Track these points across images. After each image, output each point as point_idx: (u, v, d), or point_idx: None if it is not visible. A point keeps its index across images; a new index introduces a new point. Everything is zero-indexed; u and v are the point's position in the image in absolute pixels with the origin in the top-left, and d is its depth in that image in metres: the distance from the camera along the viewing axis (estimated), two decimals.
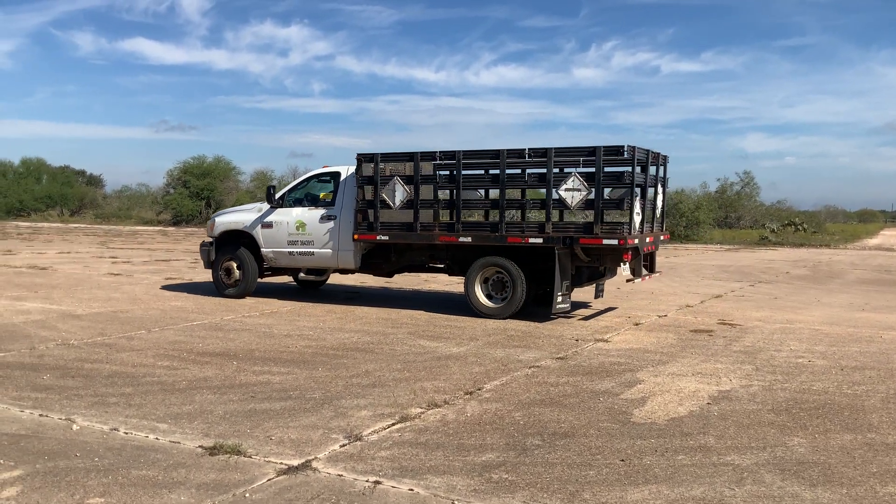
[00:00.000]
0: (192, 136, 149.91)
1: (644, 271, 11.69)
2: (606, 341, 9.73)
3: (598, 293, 12.40)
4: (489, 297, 11.65)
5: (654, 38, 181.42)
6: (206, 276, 17.52)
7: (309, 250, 12.94)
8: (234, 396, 6.66)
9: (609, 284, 14.19)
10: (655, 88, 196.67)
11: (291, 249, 13.07)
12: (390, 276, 13.49)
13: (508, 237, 11.32)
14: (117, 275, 17.55)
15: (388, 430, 5.75)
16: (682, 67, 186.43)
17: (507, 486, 4.64)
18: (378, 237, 12.24)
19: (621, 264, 11.22)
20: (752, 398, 6.87)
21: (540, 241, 11.08)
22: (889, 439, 5.70)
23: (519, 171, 11.54)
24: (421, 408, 6.39)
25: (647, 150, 11.26)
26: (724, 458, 5.20)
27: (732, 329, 10.87)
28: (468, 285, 11.69)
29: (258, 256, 13.40)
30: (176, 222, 53.43)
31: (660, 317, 12.02)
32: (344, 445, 5.35)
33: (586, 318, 11.81)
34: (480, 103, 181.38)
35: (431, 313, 12.03)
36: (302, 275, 13.73)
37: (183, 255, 24.75)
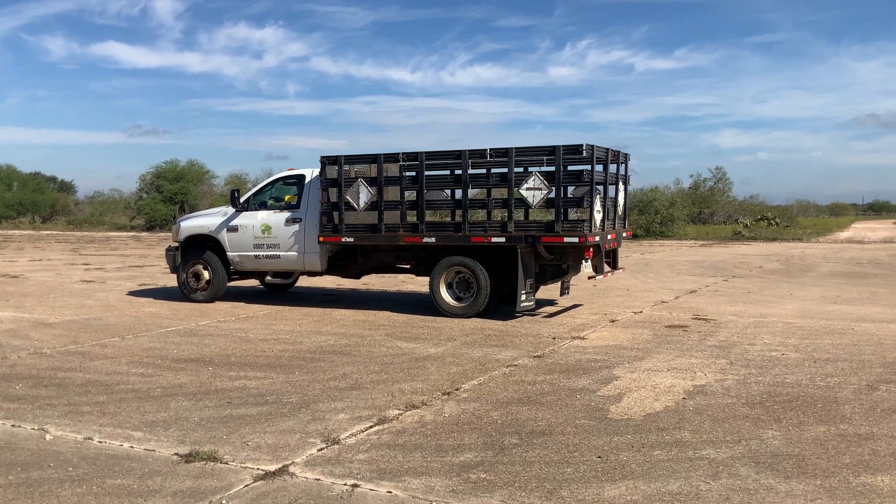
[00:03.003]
0: (167, 140, 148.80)
1: (607, 268, 11.77)
2: (583, 339, 9.78)
3: (564, 291, 12.46)
4: (455, 296, 11.69)
5: (628, 35, 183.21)
6: None
7: (275, 253, 12.89)
8: (209, 402, 6.61)
9: (584, 281, 14.26)
10: (630, 86, 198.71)
11: (258, 253, 13.02)
12: (357, 277, 13.48)
13: (472, 237, 11.36)
14: (90, 282, 17.36)
15: (365, 432, 5.74)
16: (656, 65, 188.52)
17: (486, 485, 4.65)
18: (343, 239, 12.24)
19: (584, 261, 11.31)
20: (727, 392, 6.94)
21: (503, 240, 11.14)
22: (861, 430, 5.77)
23: (484, 171, 11.57)
24: (399, 409, 6.38)
25: (607, 149, 11.35)
26: (699, 452, 5.25)
27: (707, 324, 10.97)
28: (433, 285, 11.72)
29: (224, 261, 13.33)
30: (150, 227, 52.94)
31: (635, 313, 12.10)
32: (321, 449, 5.33)
33: (551, 315, 11.87)
34: (457, 103, 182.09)
35: (408, 315, 12.02)
36: (269, 278, 13.65)
37: (157, 260, 24.50)
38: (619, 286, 15.78)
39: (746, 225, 46.51)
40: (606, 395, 6.84)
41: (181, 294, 13.66)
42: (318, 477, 4.78)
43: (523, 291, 11.05)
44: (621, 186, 12.37)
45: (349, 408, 6.43)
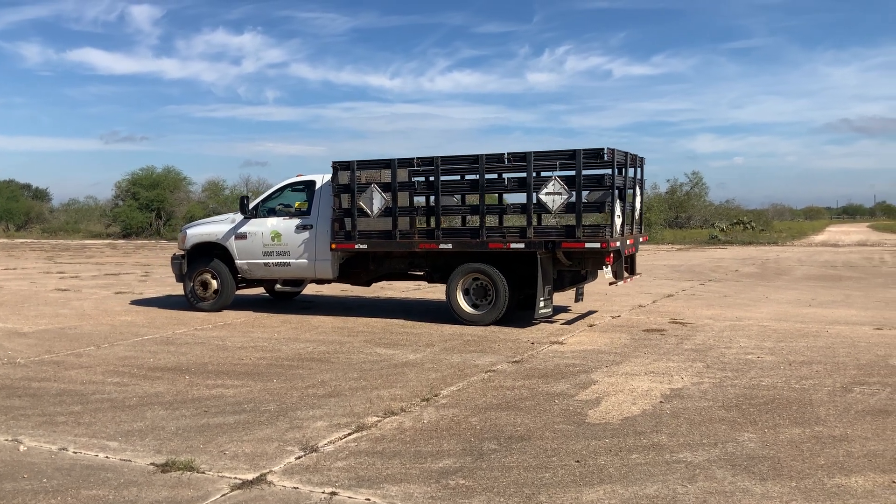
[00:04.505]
0: (144, 147, 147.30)
1: (625, 273, 11.59)
2: (561, 343, 9.81)
3: (579, 297, 12.31)
4: (471, 303, 11.45)
5: (605, 42, 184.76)
6: (156, 289, 17.27)
7: (285, 261, 12.67)
8: (186, 411, 6.56)
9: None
10: (608, 92, 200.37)
11: (267, 261, 12.79)
12: (368, 284, 13.26)
13: (490, 243, 11.19)
14: (65, 290, 17.17)
15: (344, 440, 5.72)
16: (633, 71, 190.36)
17: (465, 491, 4.65)
18: (356, 246, 12.00)
19: (603, 267, 11.05)
20: (704, 395, 6.99)
21: (522, 246, 10.99)
22: (836, 432, 5.84)
23: (495, 175, 11.38)
24: (377, 416, 6.37)
25: (626, 153, 11.22)
26: (676, 455, 5.28)
27: (684, 328, 11.04)
28: (450, 293, 11.47)
29: (232, 269, 13.11)
30: (126, 235, 52.44)
31: (613, 317, 12.16)
32: (299, 457, 5.31)
33: (570, 321, 11.74)
34: (436, 109, 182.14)
35: (388, 320, 12.00)
36: (278, 286, 13.25)
37: (133, 268, 24.31)
38: (597, 291, 15.84)
39: (722, 229, 46.91)
40: (584, 400, 6.86)
41: (187, 303, 13.38)
42: (296, 485, 4.76)
43: (542, 298, 10.82)
44: (637, 190, 12.23)
45: (327, 415, 6.41)
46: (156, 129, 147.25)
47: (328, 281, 13.00)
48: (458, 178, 11.95)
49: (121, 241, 48.07)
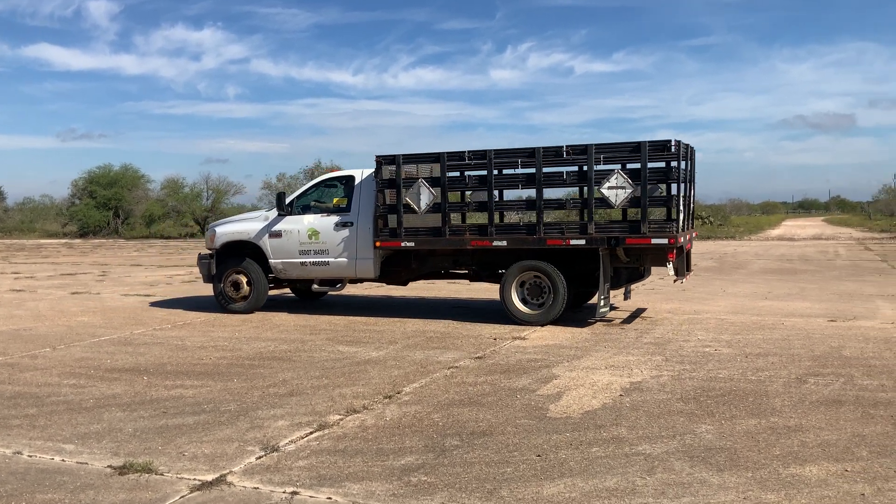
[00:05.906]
0: (102, 144, 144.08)
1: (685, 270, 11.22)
2: (523, 339, 9.87)
3: (627, 294, 12.12)
4: (525, 302, 11.05)
5: (567, 39, 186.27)
6: (114, 288, 17.02)
7: (323, 260, 12.17)
8: (144, 413, 6.47)
9: None
10: (569, 89, 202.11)
11: (304, 260, 12.29)
12: (405, 284, 12.85)
13: (548, 239, 10.75)
14: (20, 291, 16.82)
15: (305, 439, 5.69)
16: (594, 68, 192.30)
17: (426, 488, 4.65)
18: (403, 244, 11.53)
19: (667, 264, 10.53)
20: (662, 388, 7.08)
21: (582, 242, 10.57)
22: (791, 422, 5.95)
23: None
24: (339, 414, 6.35)
25: (687, 145, 10.83)
26: (635, 448, 5.35)
27: (643, 321, 11.17)
28: (504, 292, 11.05)
29: (264, 268, 12.64)
30: (82, 234, 51.60)
31: (574, 312, 12.22)
32: (260, 457, 5.27)
33: (628, 320, 11.43)
34: (399, 106, 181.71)
35: (350, 317, 11.96)
36: (315, 286, 12.67)
37: (90, 267, 23.89)
38: None
39: None
40: (546, 395, 6.91)
41: (218, 305, 12.92)
42: (256, 485, 4.73)
43: (602, 297, 10.49)
44: (691, 184, 11.75)
45: (289, 414, 6.37)
46: (114, 127, 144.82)
47: (369, 280, 12.51)
48: (515, 171, 11.15)
49: (77, 241, 47.24)
